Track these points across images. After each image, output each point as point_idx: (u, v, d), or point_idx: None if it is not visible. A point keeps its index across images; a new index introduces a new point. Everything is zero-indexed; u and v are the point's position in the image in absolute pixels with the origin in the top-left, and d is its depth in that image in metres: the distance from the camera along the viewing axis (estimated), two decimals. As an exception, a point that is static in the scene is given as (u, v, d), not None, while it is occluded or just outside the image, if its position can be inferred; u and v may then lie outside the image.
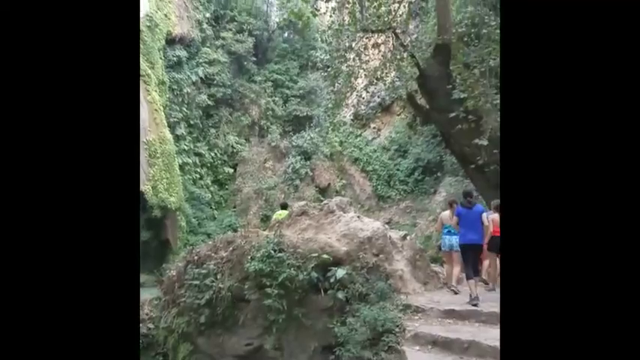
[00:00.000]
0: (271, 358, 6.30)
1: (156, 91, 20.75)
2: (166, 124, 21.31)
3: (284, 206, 10.55)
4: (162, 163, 20.02)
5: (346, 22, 12.06)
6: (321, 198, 21.34)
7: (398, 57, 11.79)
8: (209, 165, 25.36)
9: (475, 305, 6.54)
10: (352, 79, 12.07)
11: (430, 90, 11.02)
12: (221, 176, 25.78)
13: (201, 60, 25.19)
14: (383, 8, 11.31)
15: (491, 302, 6.60)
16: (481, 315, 6.25)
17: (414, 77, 11.49)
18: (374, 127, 27.75)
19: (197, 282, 6.72)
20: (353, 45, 11.92)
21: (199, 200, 23.74)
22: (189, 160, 23.84)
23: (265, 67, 28.27)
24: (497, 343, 4.44)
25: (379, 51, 12.32)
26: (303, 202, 8.86)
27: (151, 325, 8.28)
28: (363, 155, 26.61)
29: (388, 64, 12.15)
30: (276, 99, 27.63)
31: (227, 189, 25.84)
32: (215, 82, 25.29)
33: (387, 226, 8.76)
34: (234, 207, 25.19)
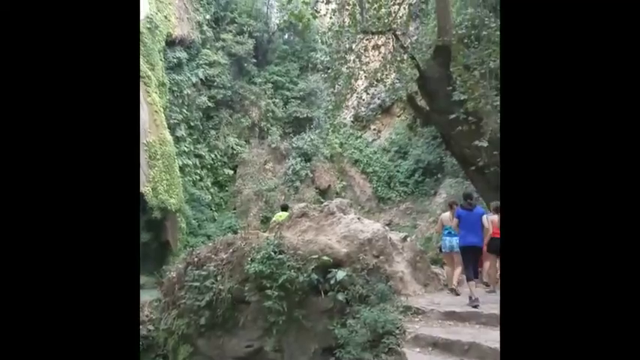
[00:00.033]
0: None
1: (156, 92, 20.75)
2: (166, 125, 21.29)
3: (284, 208, 10.55)
4: (162, 165, 20.00)
5: (346, 24, 12.06)
6: (322, 200, 21.35)
7: (398, 59, 11.82)
8: (209, 166, 25.33)
9: (475, 307, 6.54)
10: (352, 80, 12.07)
11: (430, 91, 11.02)
12: (221, 178, 25.74)
13: (201, 61, 25.18)
14: (383, 10, 11.32)
15: (491, 304, 6.59)
16: (481, 317, 6.25)
17: (414, 79, 11.49)
18: (374, 129, 27.75)
19: (197, 284, 6.73)
20: (353, 47, 11.91)
21: (199, 202, 23.71)
22: (190, 162, 23.82)
23: (265, 68, 28.24)
24: (498, 345, 4.42)
25: (379, 53, 12.33)
26: (303, 204, 8.88)
27: (151, 327, 8.28)
28: (363, 157, 26.59)
29: (388, 66, 12.17)
30: (277, 100, 27.60)
31: (227, 190, 25.80)
32: (215, 83, 25.28)
33: (387, 227, 8.77)
34: (235, 209, 25.14)
